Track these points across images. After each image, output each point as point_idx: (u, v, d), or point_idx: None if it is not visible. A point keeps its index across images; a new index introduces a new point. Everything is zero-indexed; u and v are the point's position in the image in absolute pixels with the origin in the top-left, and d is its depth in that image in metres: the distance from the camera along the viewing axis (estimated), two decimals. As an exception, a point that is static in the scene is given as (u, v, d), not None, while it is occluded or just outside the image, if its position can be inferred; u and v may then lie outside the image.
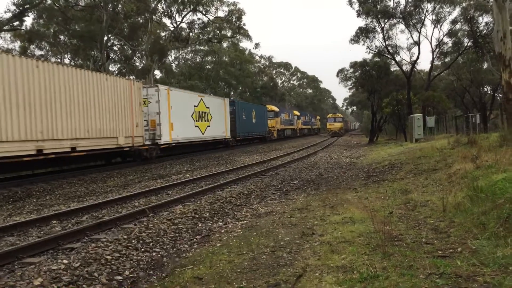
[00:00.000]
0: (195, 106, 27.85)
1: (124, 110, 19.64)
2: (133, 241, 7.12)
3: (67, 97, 16.06)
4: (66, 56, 42.96)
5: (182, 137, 25.54)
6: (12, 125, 13.64)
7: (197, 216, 9.09)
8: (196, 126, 27.97)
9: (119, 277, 5.67)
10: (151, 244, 7.14)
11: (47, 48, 42.83)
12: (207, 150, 31.06)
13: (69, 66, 17.38)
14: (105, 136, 18.29)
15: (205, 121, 29.29)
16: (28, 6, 30.37)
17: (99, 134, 17.85)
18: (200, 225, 8.50)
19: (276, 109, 52.92)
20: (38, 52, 43.05)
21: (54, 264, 5.92)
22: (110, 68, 41.72)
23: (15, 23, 32.16)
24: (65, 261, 6.03)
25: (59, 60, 41.92)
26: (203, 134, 29.04)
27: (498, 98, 45.25)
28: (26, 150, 14.17)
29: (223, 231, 7.90)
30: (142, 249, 6.85)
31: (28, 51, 41.05)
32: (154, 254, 6.73)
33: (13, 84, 13.74)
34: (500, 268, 4.46)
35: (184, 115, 26.07)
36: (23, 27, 35.21)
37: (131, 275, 5.78)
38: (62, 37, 39.91)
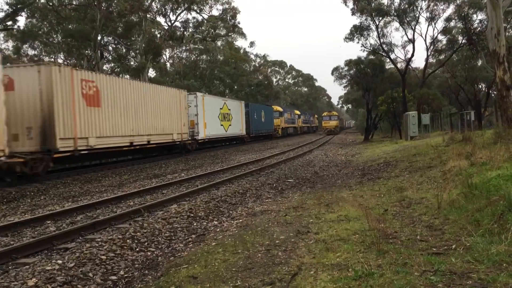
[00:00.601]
0: (220, 108, 33.81)
1: (176, 113, 25.72)
2: (128, 240, 7.10)
3: (144, 105, 22.17)
4: (59, 55, 42.76)
5: (212, 134, 31.89)
6: (118, 125, 19.86)
7: (192, 215, 9.08)
8: (221, 125, 33.91)
9: (114, 277, 5.65)
10: (146, 243, 7.12)
11: (41, 47, 42.61)
12: (229, 144, 38.25)
13: (143, 82, 24.96)
14: (166, 133, 24.52)
15: (227, 120, 35.41)
16: (21, 5, 30.16)
17: (162, 131, 24.03)
18: (195, 224, 8.49)
19: (280, 109, 58.39)
20: (31, 52, 42.89)
21: (48, 265, 5.90)
22: (104, 67, 41.57)
23: (8, 23, 31.91)
24: (59, 262, 6.00)
25: (52, 59, 41.72)
26: (226, 131, 35.20)
27: (493, 95, 45.41)
28: (124, 142, 20.52)
29: (218, 230, 7.88)
30: (137, 249, 6.83)
31: (22, 50, 40.86)
32: (149, 253, 6.71)
33: (117, 98, 19.87)
34: (494, 265, 4.48)
35: (213, 116, 31.96)
36: (16, 27, 35.00)
37: (126, 275, 5.76)
38: (55, 37, 39.72)
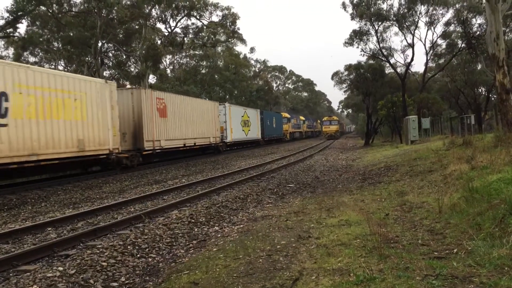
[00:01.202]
0: (242, 116, 39.39)
1: (212, 120, 31.67)
2: (128, 247, 7.09)
3: (191, 115, 28.02)
4: (60, 62, 42.84)
5: (236, 138, 37.78)
6: (177, 131, 25.82)
7: (193, 221, 9.07)
8: (242, 130, 39.72)
9: (115, 284, 5.64)
10: (147, 249, 7.11)
11: (41, 54, 42.70)
12: (248, 147, 43.91)
13: (192, 98, 30.31)
14: (205, 137, 30.33)
15: (247, 126, 41.12)
16: (21, 13, 30.26)
17: (203, 135, 29.74)
18: (196, 230, 8.48)
19: (288, 116, 65.09)
20: (32, 59, 42.95)
21: (49, 272, 5.89)
22: (104, 74, 41.64)
23: (9, 30, 32.00)
24: (60, 268, 5.99)
25: (53, 66, 41.80)
26: (246, 136, 41.06)
27: (493, 99, 45.43)
28: (180, 144, 26.45)
29: (219, 235, 7.87)
30: (138, 255, 6.82)
31: (22, 58, 40.93)
32: (150, 259, 6.70)
33: (176, 110, 25.70)
34: (496, 269, 4.47)
35: (237, 123, 37.88)
36: (17, 34, 35.10)
37: (127, 282, 5.75)
38: (56, 44, 39.81)
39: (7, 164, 13.96)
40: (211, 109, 31.80)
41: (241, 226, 8.43)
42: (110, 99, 19.20)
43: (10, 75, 14.10)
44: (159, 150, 23.61)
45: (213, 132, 31.72)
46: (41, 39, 37.97)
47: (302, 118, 77.94)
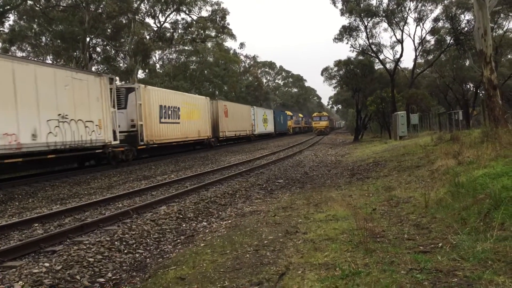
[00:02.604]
0: (262, 115, 53.45)
1: (247, 118, 46.17)
2: (116, 242, 7.08)
3: (240, 114, 42.53)
4: (48, 57, 42.41)
5: (260, 131, 51.74)
6: (233, 126, 40.07)
7: (181, 216, 9.06)
8: (263, 125, 53.92)
9: (101, 279, 5.63)
10: (134, 245, 7.10)
11: (29, 49, 42.27)
12: (267, 138, 55.04)
13: (241, 105, 46.13)
14: (244, 130, 44.34)
15: (265, 123, 55.38)
16: (9, 7, 29.90)
17: (243, 129, 43.71)
18: (184, 225, 8.48)
19: (291, 113, 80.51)
20: (19, 53, 42.48)
21: (35, 267, 5.86)
22: (93, 69, 41.31)
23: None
24: (46, 264, 5.97)
25: (41, 60, 41.37)
26: (265, 130, 55.13)
27: (481, 95, 45.77)
28: (233, 135, 40.54)
29: (207, 231, 7.88)
30: (125, 251, 6.80)
31: (10, 52, 40.50)
32: (137, 255, 6.69)
33: (231, 112, 39.69)
34: (479, 262, 4.51)
35: (260, 120, 51.79)
36: (6, 28, 34.71)
37: (113, 277, 5.74)
38: (44, 38, 39.43)
39: (180, 141, 28.77)
40: (247, 111, 46.57)
41: (229, 221, 8.45)
42: (208, 108, 34.20)
43: (180, 98, 29.26)
44: (223, 138, 37.74)
45: (248, 126, 46.15)
46: (29, 33, 37.58)
47: (300, 115, 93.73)
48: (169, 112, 26.91)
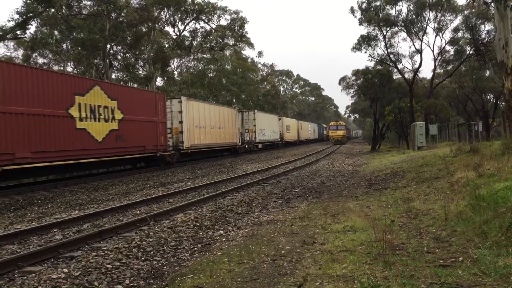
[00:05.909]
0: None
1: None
2: (133, 249, 7.11)
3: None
4: (69, 64, 43.06)
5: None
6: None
7: (198, 224, 9.07)
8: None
9: (119, 286, 5.65)
10: (152, 252, 7.13)
11: (50, 56, 42.97)
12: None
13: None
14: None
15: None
16: (31, 14, 30.42)
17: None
18: (201, 233, 8.48)
19: (324, 125, 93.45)
20: (40, 60, 43.24)
21: (54, 273, 5.91)
22: (112, 76, 41.82)
23: (18, 32, 32.17)
24: (65, 270, 6.01)
25: (62, 68, 42.02)
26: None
27: (501, 106, 45.18)
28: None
29: (224, 239, 7.87)
30: (143, 258, 6.83)
31: (31, 59, 41.22)
32: (154, 262, 6.71)
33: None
34: (501, 278, 4.43)
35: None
36: (26, 36, 35.29)
37: (131, 284, 5.76)
38: (65, 46, 40.04)
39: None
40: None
41: (246, 230, 8.43)
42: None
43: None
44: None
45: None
46: (50, 41, 38.19)
47: (324, 125, 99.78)
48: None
